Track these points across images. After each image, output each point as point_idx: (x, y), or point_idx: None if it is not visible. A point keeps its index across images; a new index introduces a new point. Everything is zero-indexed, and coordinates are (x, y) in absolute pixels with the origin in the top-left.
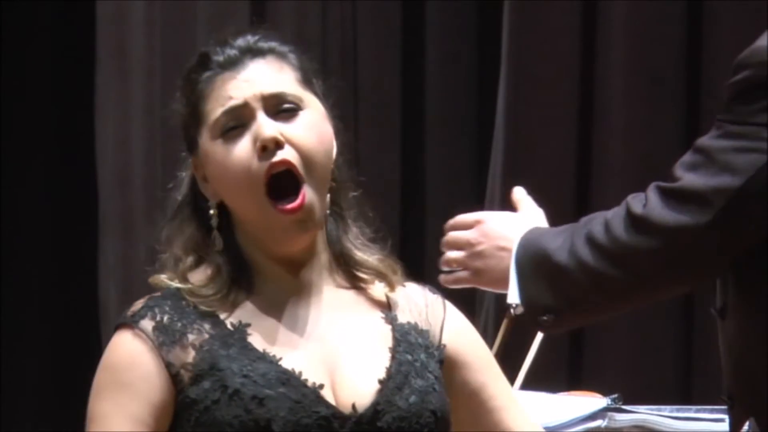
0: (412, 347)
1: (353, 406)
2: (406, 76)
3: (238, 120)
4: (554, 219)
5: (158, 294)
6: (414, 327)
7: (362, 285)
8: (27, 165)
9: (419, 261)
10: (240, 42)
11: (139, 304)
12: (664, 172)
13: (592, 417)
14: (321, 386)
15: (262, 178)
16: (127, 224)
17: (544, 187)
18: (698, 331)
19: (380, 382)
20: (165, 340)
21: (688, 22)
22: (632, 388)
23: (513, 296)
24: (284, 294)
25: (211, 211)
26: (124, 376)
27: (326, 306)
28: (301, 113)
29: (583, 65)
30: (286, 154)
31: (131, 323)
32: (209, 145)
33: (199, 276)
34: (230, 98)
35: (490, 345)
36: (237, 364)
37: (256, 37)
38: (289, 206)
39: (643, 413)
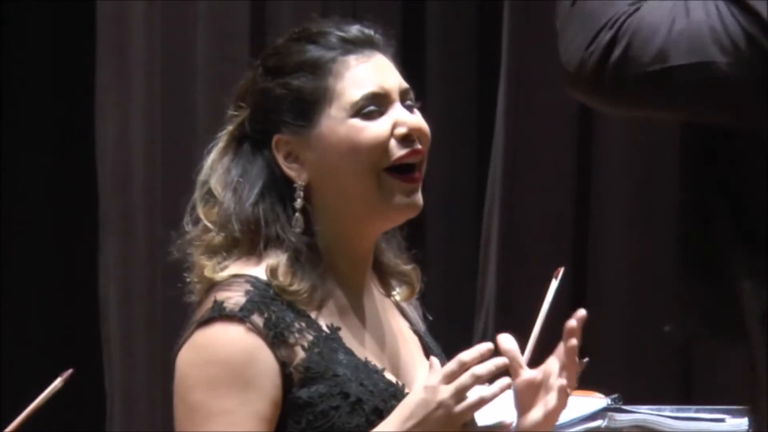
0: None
1: None
2: (405, 76)
3: (377, 105)
4: (554, 219)
5: (250, 286)
6: (430, 337)
7: (387, 291)
8: (27, 164)
9: (420, 260)
10: (361, 29)
11: (239, 297)
12: (664, 171)
13: (593, 417)
14: None
15: (393, 159)
16: (127, 224)
17: (544, 186)
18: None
19: None
20: (276, 337)
21: None
22: (632, 388)
23: None
24: (354, 295)
25: (300, 192)
26: (245, 372)
27: (381, 310)
28: (417, 111)
29: None
30: (420, 146)
31: (242, 317)
32: (339, 122)
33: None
34: (372, 83)
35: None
36: (350, 372)
37: (372, 30)
38: (411, 176)
39: (644, 413)
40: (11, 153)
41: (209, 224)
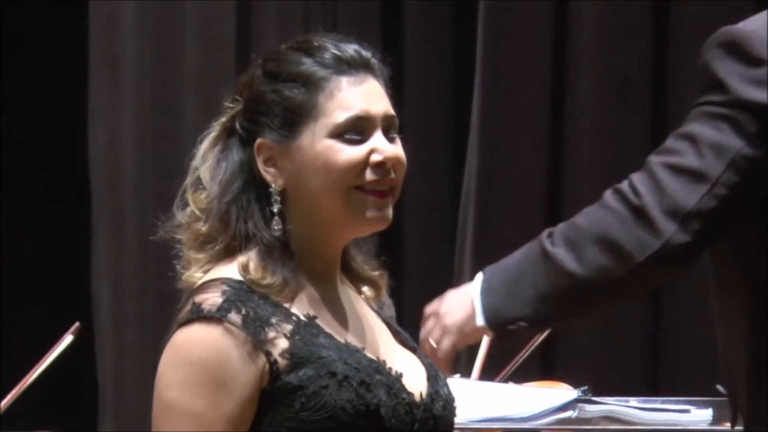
0: (413, 343)
1: (421, 395)
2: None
3: (358, 129)
4: (526, 217)
5: (226, 287)
6: (397, 325)
7: (357, 290)
8: (21, 167)
9: (397, 256)
10: (358, 51)
11: (216, 298)
12: (632, 171)
13: (563, 408)
14: (401, 375)
15: (363, 182)
16: (119, 224)
17: (516, 186)
18: (665, 325)
19: (427, 372)
20: (256, 331)
21: (655, 29)
22: (601, 381)
23: (479, 318)
24: (327, 289)
25: (276, 197)
26: (219, 374)
27: (355, 302)
28: (397, 140)
29: (555, 71)
30: (393, 176)
31: (219, 317)
32: (319, 140)
33: (251, 264)
34: (358, 108)
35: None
36: (334, 353)
37: (369, 52)
38: (381, 192)
39: (612, 404)
40: (5, 156)
41: (197, 211)
